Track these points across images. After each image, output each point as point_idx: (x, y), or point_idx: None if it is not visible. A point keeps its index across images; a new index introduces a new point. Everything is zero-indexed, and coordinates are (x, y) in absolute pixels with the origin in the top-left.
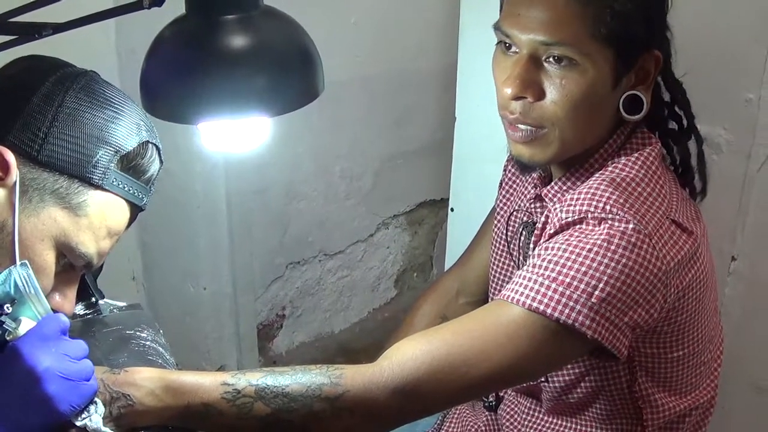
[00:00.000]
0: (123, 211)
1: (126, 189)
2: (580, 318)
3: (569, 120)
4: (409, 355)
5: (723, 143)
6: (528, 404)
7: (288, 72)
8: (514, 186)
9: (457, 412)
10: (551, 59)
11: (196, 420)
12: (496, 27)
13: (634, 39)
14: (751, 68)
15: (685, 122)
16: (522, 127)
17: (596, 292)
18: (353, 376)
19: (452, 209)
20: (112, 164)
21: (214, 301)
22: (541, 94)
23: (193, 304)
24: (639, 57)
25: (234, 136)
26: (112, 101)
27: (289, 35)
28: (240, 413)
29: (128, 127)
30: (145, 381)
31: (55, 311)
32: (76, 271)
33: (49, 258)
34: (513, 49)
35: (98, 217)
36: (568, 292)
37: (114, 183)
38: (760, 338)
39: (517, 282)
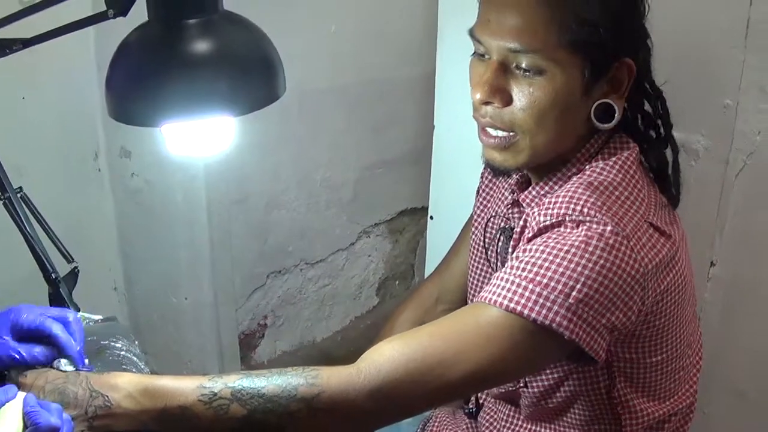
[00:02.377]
0: None
1: None
2: (557, 318)
3: (538, 126)
4: (386, 356)
5: (701, 149)
6: (507, 411)
7: (248, 72)
8: (491, 192)
9: (438, 419)
10: (520, 70)
11: (173, 423)
12: (470, 33)
13: (602, 47)
14: (729, 74)
15: (662, 131)
16: (493, 132)
17: (573, 293)
18: (329, 377)
19: (431, 217)
20: None
21: (196, 310)
22: (508, 100)
23: (174, 314)
24: (611, 66)
25: (197, 138)
26: None
27: (248, 37)
28: (216, 416)
29: None
30: (124, 384)
31: None
32: None
33: None
34: (486, 56)
35: None
36: (545, 293)
37: None
38: (740, 343)
39: (495, 284)
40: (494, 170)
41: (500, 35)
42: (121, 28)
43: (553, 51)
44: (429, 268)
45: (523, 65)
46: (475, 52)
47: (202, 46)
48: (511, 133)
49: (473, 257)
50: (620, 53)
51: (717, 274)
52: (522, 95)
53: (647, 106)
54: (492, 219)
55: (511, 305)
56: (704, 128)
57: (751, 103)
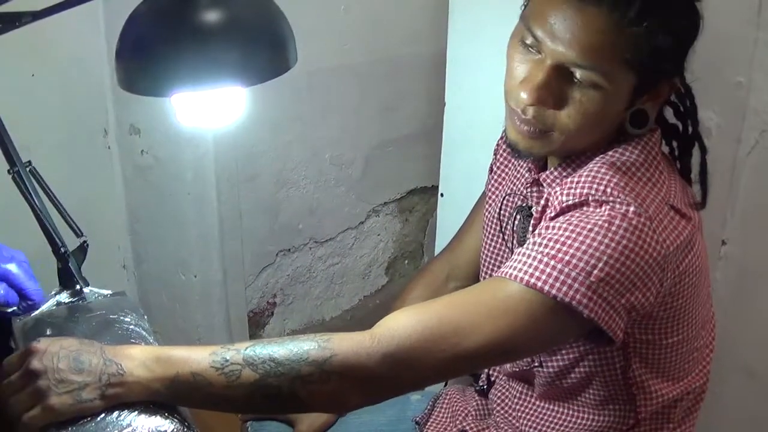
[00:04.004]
0: None
1: None
2: (578, 296)
3: (578, 131)
4: (401, 323)
5: (713, 127)
6: (520, 389)
7: (259, 42)
8: (506, 170)
9: (448, 395)
10: (575, 77)
11: (185, 392)
12: (524, 24)
13: (662, 70)
14: (741, 51)
15: (690, 128)
16: (531, 126)
17: (595, 272)
18: (341, 341)
19: (442, 194)
20: None
21: (205, 288)
22: (557, 104)
23: (183, 291)
24: (659, 83)
25: (207, 109)
26: None
27: (258, 6)
28: (228, 381)
29: None
30: (138, 353)
31: None
32: None
33: None
34: (535, 49)
35: None
36: (566, 270)
37: None
38: (751, 323)
39: (516, 259)
40: (515, 153)
41: (563, 44)
42: (130, 3)
43: (612, 69)
44: (439, 245)
45: (579, 76)
46: (521, 40)
47: (212, 16)
48: (549, 131)
49: (487, 234)
50: (673, 73)
51: (728, 253)
52: (571, 103)
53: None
54: (508, 197)
55: (532, 281)
56: (716, 106)
57: (763, 80)
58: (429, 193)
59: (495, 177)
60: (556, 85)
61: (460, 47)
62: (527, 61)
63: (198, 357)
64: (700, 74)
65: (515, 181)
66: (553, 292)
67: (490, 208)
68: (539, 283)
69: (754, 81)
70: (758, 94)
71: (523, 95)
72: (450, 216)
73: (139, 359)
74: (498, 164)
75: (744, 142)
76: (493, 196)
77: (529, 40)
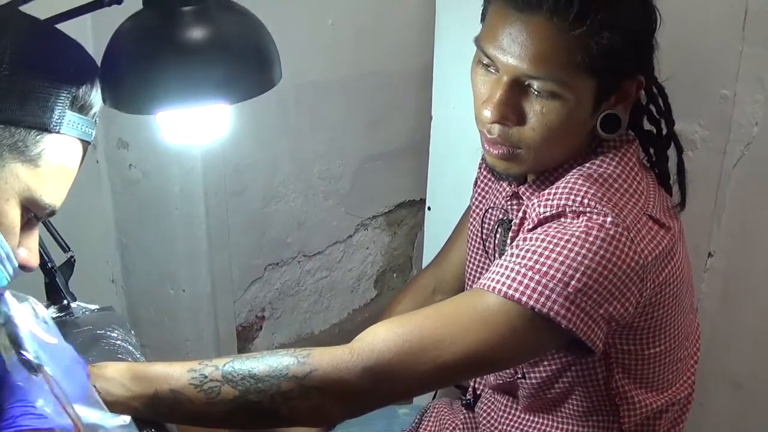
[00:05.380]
0: (78, 152)
1: (81, 129)
2: (555, 307)
3: (546, 143)
4: (381, 336)
5: (698, 140)
6: (505, 402)
7: (243, 60)
8: (489, 184)
9: (435, 409)
10: (532, 89)
11: (165, 409)
12: (478, 46)
13: (619, 70)
14: (726, 64)
15: (664, 129)
16: (497, 145)
17: (572, 282)
18: (321, 356)
19: (429, 208)
20: (66, 107)
21: (193, 302)
22: (520, 120)
23: (172, 305)
24: (622, 83)
25: (192, 126)
26: (56, 43)
27: (243, 24)
28: (208, 398)
29: (76, 65)
30: (113, 373)
31: (22, 266)
32: (37, 222)
33: (15, 217)
34: (493, 68)
35: (57, 164)
36: (544, 281)
37: (70, 125)
38: (737, 334)
39: (495, 271)
40: (496, 175)
41: (513, 57)
42: (119, 18)
43: (569, 76)
44: (427, 258)
45: (536, 87)
46: (479, 61)
47: (196, 34)
48: (517, 148)
49: (470, 248)
50: (633, 72)
51: (714, 265)
52: (533, 116)
53: (646, 102)
54: (490, 210)
55: (510, 292)
56: (701, 119)
57: (748, 93)
58: (417, 206)
59: (478, 191)
60: (515, 100)
61: (446, 61)
62: (487, 82)
63: (176, 374)
64: (685, 87)
65: (497, 194)
66: (531, 303)
67: (473, 222)
68: (517, 294)
69: (739, 94)
70: (743, 106)
71: (486, 113)
72: (437, 229)
73: (116, 379)
74: (481, 178)
75: (729, 154)
76: (477, 210)
77: (485, 60)
